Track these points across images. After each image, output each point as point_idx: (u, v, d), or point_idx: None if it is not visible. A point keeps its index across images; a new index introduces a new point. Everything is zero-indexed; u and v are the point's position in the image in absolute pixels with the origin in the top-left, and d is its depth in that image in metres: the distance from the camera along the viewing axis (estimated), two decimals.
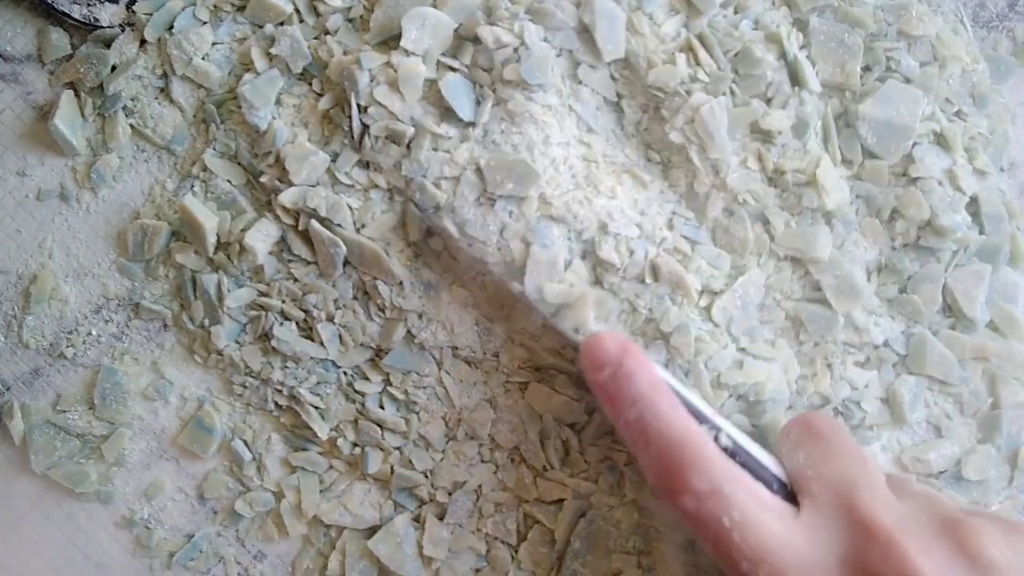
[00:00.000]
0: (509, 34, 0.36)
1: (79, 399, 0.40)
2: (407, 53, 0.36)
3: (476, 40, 0.36)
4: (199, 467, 0.40)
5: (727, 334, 0.37)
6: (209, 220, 0.38)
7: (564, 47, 0.37)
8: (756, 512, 0.29)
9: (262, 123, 0.37)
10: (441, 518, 0.38)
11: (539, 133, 0.36)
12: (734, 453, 0.32)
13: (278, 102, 0.38)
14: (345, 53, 0.37)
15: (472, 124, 0.36)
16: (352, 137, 0.36)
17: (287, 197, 0.37)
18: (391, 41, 0.37)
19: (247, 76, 0.38)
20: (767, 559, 0.29)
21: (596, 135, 0.37)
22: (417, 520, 0.39)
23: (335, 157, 0.37)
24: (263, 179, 0.38)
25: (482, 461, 0.38)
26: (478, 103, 0.36)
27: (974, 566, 0.28)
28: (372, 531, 0.39)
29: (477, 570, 0.39)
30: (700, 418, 0.32)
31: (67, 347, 0.40)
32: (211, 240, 0.38)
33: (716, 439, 0.31)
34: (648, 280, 0.36)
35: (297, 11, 0.38)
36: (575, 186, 0.36)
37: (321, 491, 0.39)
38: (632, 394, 0.31)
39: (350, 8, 0.38)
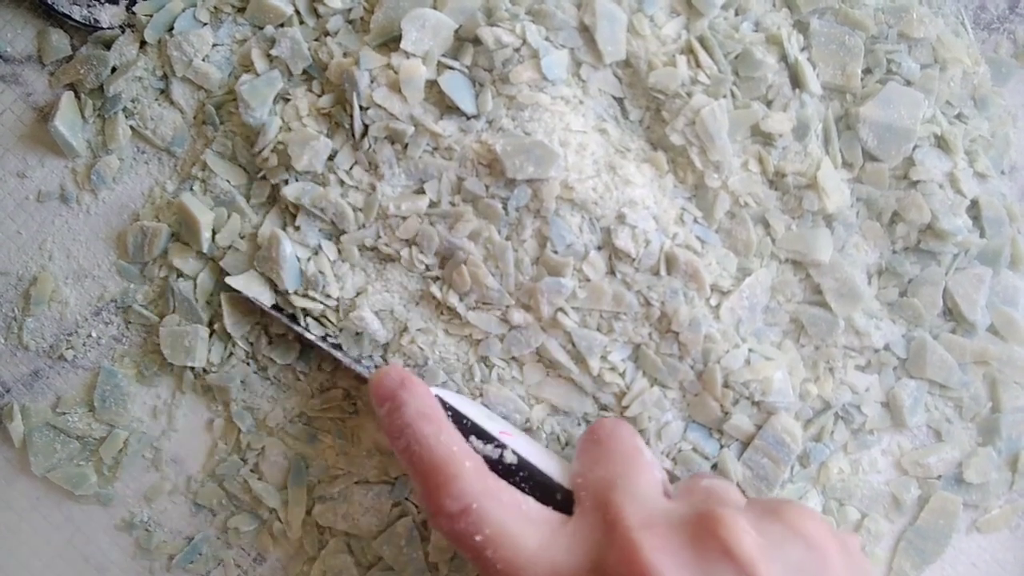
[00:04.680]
0: (510, 35, 0.36)
1: (79, 401, 0.40)
2: (407, 55, 0.36)
3: (476, 41, 0.36)
4: (199, 470, 0.40)
5: (736, 334, 0.37)
6: (204, 215, 0.38)
7: (566, 47, 0.37)
8: (511, 527, 0.29)
9: (257, 123, 0.37)
10: None
11: (558, 121, 0.36)
12: (519, 468, 0.32)
13: (277, 102, 0.38)
14: (345, 55, 0.37)
15: (475, 116, 0.36)
16: (353, 136, 0.36)
17: (291, 191, 0.37)
18: (391, 43, 0.37)
19: (245, 76, 0.38)
20: (519, 573, 0.29)
21: (610, 124, 0.37)
22: (424, 524, 0.39)
23: (334, 155, 0.37)
24: (262, 172, 0.37)
25: None
26: (478, 99, 0.36)
27: (710, 555, 0.27)
28: (370, 536, 0.39)
29: None
30: (485, 437, 0.33)
31: (67, 349, 0.40)
32: (206, 235, 0.38)
33: (501, 456, 0.32)
34: (662, 272, 0.36)
35: (297, 13, 0.38)
36: (596, 172, 0.36)
37: (319, 495, 0.39)
38: (401, 424, 0.32)
39: (350, 10, 0.38)
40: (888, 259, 0.38)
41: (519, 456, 0.32)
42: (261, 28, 0.39)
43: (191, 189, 0.39)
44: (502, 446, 0.33)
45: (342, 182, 0.37)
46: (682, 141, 0.37)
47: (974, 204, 0.38)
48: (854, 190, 0.38)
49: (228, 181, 0.38)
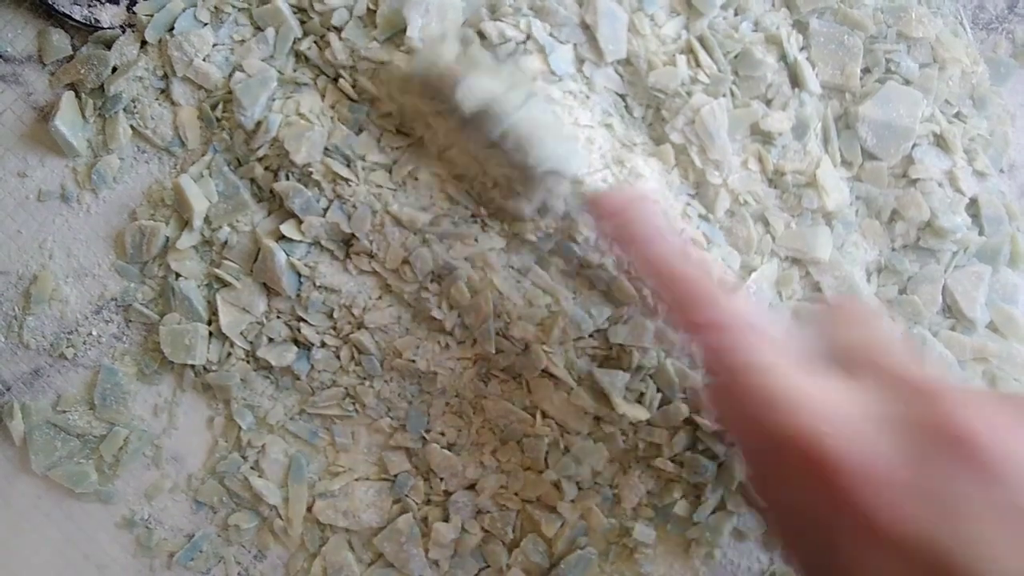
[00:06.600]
0: (514, 29, 0.36)
1: (79, 399, 0.40)
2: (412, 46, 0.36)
3: (481, 35, 0.36)
4: (199, 467, 0.40)
5: None
6: (199, 202, 0.38)
7: (569, 43, 0.37)
8: (774, 352, 0.27)
9: (249, 123, 0.37)
10: (445, 520, 0.38)
11: (567, 115, 0.36)
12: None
13: (278, 99, 0.38)
14: (352, 51, 0.37)
15: None
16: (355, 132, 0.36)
17: (282, 186, 0.37)
18: (397, 36, 0.37)
19: (240, 75, 0.38)
20: (783, 406, 0.25)
21: (616, 119, 0.37)
22: (424, 521, 0.39)
23: (330, 138, 0.37)
24: (260, 171, 0.37)
25: (491, 467, 0.38)
26: None
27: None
28: (371, 533, 0.39)
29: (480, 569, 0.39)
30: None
31: (67, 347, 0.40)
32: (197, 223, 0.38)
33: None
34: None
35: (298, 12, 0.38)
36: (604, 166, 0.36)
37: (319, 492, 0.39)
38: (642, 234, 0.31)
39: (351, 8, 0.38)
40: (887, 257, 0.38)
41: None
42: (261, 29, 0.39)
43: (197, 175, 0.39)
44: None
45: (336, 180, 0.37)
46: (682, 140, 0.37)
47: (973, 202, 0.38)
48: (853, 188, 0.38)
49: (230, 175, 0.38)
